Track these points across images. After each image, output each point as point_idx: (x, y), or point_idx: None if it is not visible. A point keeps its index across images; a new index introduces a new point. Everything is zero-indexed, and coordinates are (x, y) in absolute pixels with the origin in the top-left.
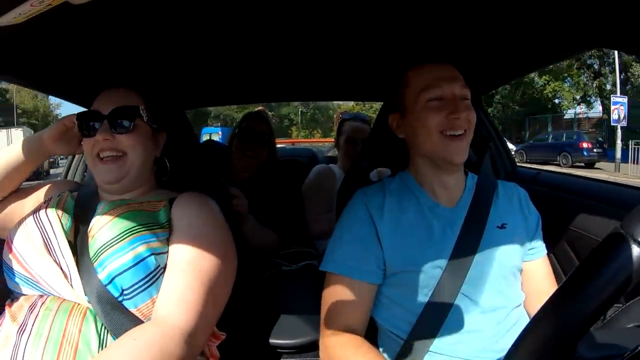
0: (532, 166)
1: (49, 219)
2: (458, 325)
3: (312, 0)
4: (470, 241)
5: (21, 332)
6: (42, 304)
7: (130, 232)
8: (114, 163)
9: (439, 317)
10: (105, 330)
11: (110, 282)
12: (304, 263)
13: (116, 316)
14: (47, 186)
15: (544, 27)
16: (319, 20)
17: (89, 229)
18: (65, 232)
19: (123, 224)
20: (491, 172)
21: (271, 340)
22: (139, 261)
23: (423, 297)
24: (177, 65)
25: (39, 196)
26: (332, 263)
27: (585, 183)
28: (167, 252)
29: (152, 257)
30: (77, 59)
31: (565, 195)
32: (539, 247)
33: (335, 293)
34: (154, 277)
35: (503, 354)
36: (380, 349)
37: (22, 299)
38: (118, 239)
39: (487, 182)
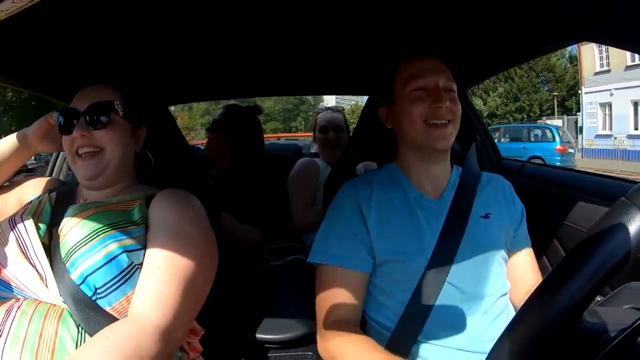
0: None
1: (24, 224)
2: (445, 314)
3: None
4: (454, 232)
5: None
6: (19, 307)
7: (101, 231)
8: (92, 159)
9: (425, 307)
10: (83, 330)
11: (83, 281)
12: (291, 258)
13: (91, 315)
14: (30, 184)
15: (529, 20)
16: (307, 14)
17: (59, 230)
18: (40, 235)
19: (93, 224)
20: (476, 163)
21: (258, 335)
22: (110, 259)
23: (409, 286)
24: (160, 61)
25: (20, 195)
26: (323, 255)
27: (570, 175)
28: (143, 249)
29: (124, 254)
30: (61, 56)
31: (550, 187)
32: (523, 238)
33: (329, 285)
34: (127, 275)
35: (491, 343)
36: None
37: None
38: (89, 238)
39: (471, 173)
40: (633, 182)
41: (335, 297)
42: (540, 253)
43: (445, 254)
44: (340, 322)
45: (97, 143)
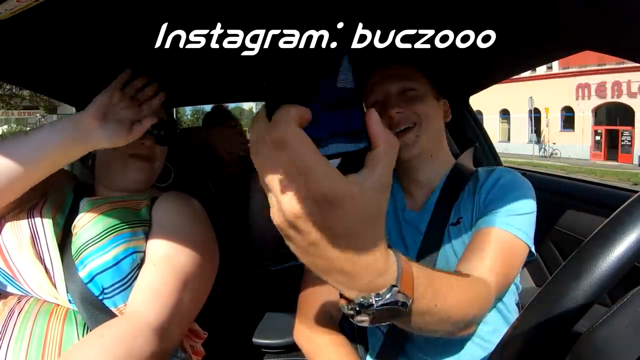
0: None
1: (41, 215)
2: None
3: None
4: (431, 244)
5: (1, 338)
6: (22, 307)
7: (112, 230)
8: (147, 162)
9: None
10: (89, 330)
11: (91, 280)
12: (289, 264)
13: (97, 315)
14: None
15: (530, 30)
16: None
17: (72, 226)
18: (56, 229)
19: (105, 222)
20: (466, 168)
21: (254, 340)
22: (119, 260)
23: None
24: (166, 63)
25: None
26: None
27: (571, 184)
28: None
29: (133, 256)
30: (67, 57)
31: (550, 196)
32: (487, 216)
33: (307, 286)
34: (134, 276)
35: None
36: (369, 344)
37: (0, 302)
38: (100, 237)
39: (460, 174)
40: (632, 191)
41: (312, 299)
42: (540, 260)
43: (426, 260)
44: (319, 316)
45: (153, 154)
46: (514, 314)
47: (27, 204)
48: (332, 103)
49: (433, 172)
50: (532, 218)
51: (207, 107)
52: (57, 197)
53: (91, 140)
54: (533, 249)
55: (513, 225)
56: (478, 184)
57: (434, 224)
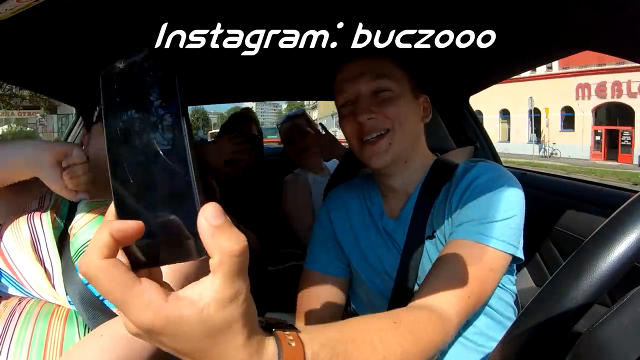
0: None
1: (41, 218)
2: None
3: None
4: (410, 261)
5: (2, 339)
6: (22, 309)
7: None
8: None
9: None
10: (89, 331)
11: None
12: (289, 264)
13: (98, 316)
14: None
15: (535, 29)
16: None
17: (70, 228)
18: (55, 231)
19: None
20: (447, 166)
21: None
22: None
23: (384, 300)
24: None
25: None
26: (306, 258)
27: (571, 184)
28: None
29: None
30: (67, 57)
31: (551, 196)
32: (463, 225)
33: (305, 285)
34: None
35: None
36: None
37: (1, 304)
38: None
39: (434, 182)
40: (632, 191)
41: (310, 297)
42: (540, 260)
43: (408, 277)
44: (317, 321)
45: None
46: (508, 317)
47: (25, 206)
48: (167, 203)
49: (409, 176)
50: (514, 222)
51: (207, 107)
52: (55, 199)
53: (37, 173)
54: (519, 254)
55: (485, 234)
56: (450, 189)
57: (412, 238)
